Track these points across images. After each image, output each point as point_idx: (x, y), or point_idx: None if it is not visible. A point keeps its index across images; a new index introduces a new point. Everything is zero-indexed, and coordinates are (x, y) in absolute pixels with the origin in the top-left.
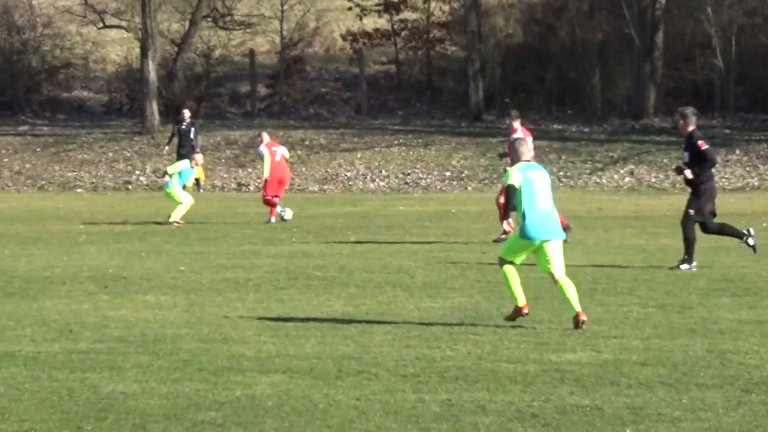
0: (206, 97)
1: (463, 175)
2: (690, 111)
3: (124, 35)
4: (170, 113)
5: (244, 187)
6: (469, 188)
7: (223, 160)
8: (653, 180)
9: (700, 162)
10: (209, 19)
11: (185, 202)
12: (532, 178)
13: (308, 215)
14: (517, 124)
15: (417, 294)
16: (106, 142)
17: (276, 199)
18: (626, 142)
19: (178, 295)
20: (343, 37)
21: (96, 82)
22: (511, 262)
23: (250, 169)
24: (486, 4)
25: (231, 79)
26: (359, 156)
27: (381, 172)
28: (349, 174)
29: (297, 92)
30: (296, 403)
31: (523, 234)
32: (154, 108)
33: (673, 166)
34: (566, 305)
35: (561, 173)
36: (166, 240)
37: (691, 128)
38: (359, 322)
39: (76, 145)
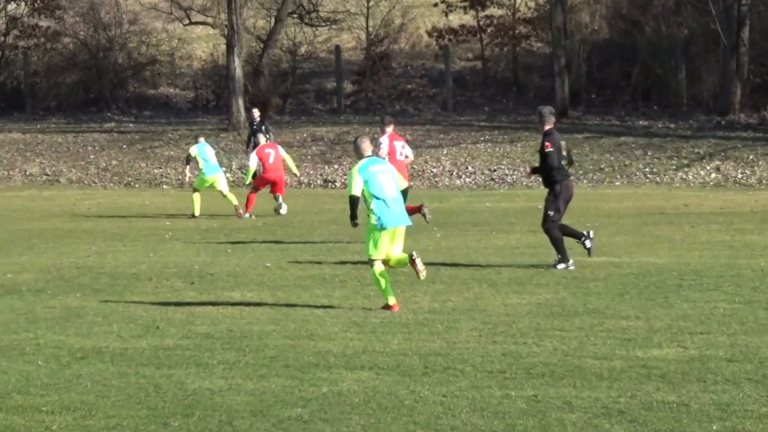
0: (292, 94)
1: None
2: (547, 110)
3: (210, 32)
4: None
5: (330, 184)
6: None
7: (309, 157)
8: (739, 176)
9: (543, 162)
10: (295, 15)
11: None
12: (375, 171)
13: None
14: (389, 129)
15: (503, 290)
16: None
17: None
18: (712, 138)
19: (264, 291)
20: (429, 34)
21: (182, 79)
22: (379, 260)
23: (336, 166)
24: (572, 0)
25: (317, 76)
26: (445, 152)
27: (467, 168)
28: (435, 170)
29: (383, 89)
30: (382, 400)
31: (380, 225)
32: (240, 104)
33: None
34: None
35: (647, 169)
36: (252, 236)
37: (547, 127)
38: (445, 318)
39: (162, 141)
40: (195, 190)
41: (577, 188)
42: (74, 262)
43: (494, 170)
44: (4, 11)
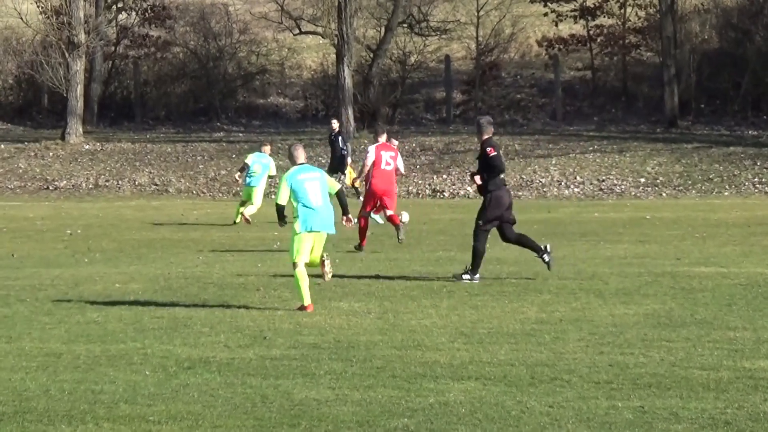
0: (401, 103)
1: (658, 181)
2: (485, 120)
3: (320, 41)
4: (366, 119)
5: (438, 194)
6: (664, 194)
7: (418, 166)
8: None
9: (488, 170)
10: (405, 25)
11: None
12: (302, 179)
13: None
14: (381, 139)
15: (610, 300)
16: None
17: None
18: None
19: (371, 301)
20: (539, 43)
21: (291, 89)
22: (301, 263)
23: (445, 176)
24: (682, 9)
25: (426, 85)
26: (554, 162)
27: (576, 178)
28: (543, 180)
29: (492, 98)
30: (489, 410)
31: (302, 228)
32: (349, 114)
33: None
34: (297, 293)
35: (756, 179)
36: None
37: (485, 136)
38: (552, 328)
39: (272, 151)
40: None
41: (686, 198)
42: (182, 272)
43: (603, 180)
44: (115, 21)
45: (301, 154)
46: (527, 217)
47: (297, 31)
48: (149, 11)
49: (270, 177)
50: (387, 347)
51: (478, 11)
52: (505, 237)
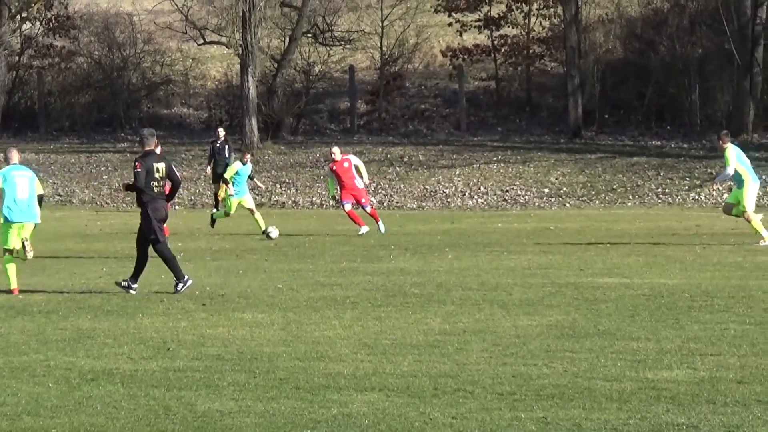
0: (305, 114)
1: (562, 191)
2: (147, 132)
3: (224, 51)
4: (269, 130)
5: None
6: (568, 205)
7: (321, 177)
8: None
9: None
10: (309, 35)
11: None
12: (14, 176)
13: (406, 232)
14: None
15: (514, 311)
16: (205, 159)
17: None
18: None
19: (275, 312)
20: (443, 53)
21: (196, 99)
22: (10, 250)
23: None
24: (586, 19)
25: (330, 96)
26: (458, 173)
27: (479, 188)
28: (447, 191)
29: (396, 108)
30: (392, 422)
31: (7, 220)
32: (253, 125)
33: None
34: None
35: (659, 190)
36: (263, 258)
37: (146, 148)
38: (456, 339)
39: (176, 162)
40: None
41: (590, 208)
42: (86, 283)
43: (507, 191)
44: (19, 31)
45: (15, 156)
46: (430, 228)
47: (201, 41)
48: (53, 21)
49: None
50: (290, 358)
51: (382, 21)
52: (157, 250)
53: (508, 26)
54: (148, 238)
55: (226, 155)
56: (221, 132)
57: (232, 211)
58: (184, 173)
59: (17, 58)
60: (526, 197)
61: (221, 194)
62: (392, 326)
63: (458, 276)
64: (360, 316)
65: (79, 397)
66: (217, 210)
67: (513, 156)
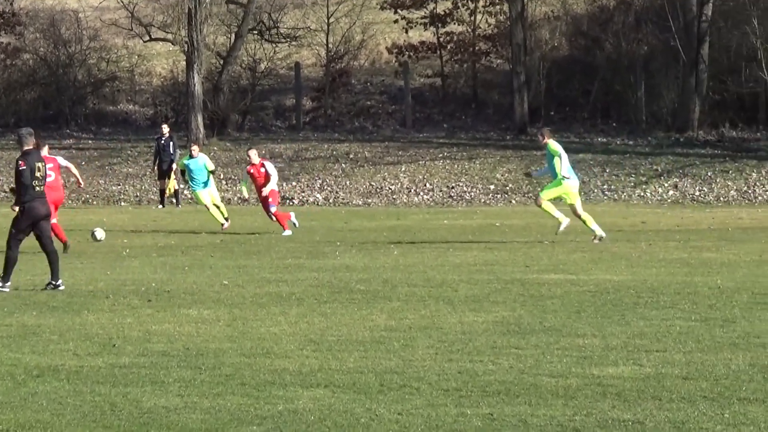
0: (251, 111)
1: (508, 188)
2: (25, 131)
3: (170, 48)
4: (215, 126)
5: (288, 201)
6: (513, 201)
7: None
8: (697, 193)
9: (16, 180)
10: (255, 32)
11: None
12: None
13: (352, 228)
14: (44, 150)
15: (460, 308)
16: (150, 156)
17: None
18: (670, 155)
19: (221, 309)
20: (389, 50)
21: (141, 96)
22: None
23: (294, 183)
24: (532, 16)
25: (276, 93)
26: (403, 169)
27: (425, 185)
28: (393, 187)
29: (342, 105)
30: (338, 418)
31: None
32: (199, 121)
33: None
34: None
35: (605, 186)
36: (209, 254)
37: (25, 148)
38: (402, 336)
39: (121, 158)
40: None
41: (535, 205)
42: (31, 279)
43: (452, 187)
44: None
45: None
46: (376, 224)
47: (147, 37)
48: None
49: (210, 172)
50: (236, 355)
51: (328, 18)
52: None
53: (454, 23)
54: (10, 229)
55: (171, 151)
56: (165, 128)
57: (206, 203)
58: (130, 169)
59: None
60: (472, 194)
61: (169, 189)
62: (338, 322)
63: (404, 272)
64: (306, 312)
65: (25, 393)
66: (163, 206)
67: (459, 153)
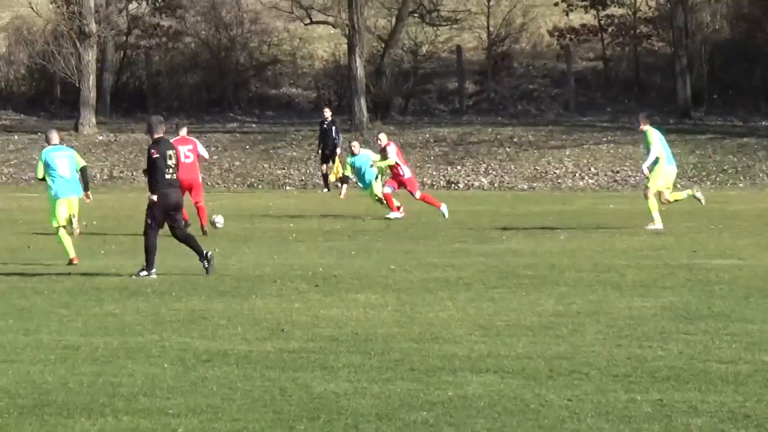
0: (414, 94)
1: None
2: (155, 119)
3: (332, 31)
4: (378, 110)
5: (453, 185)
6: (678, 186)
7: (432, 158)
8: None
9: (148, 169)
10: (416, 14)
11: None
12: (53, 156)
13: (518, 213)
14: (182, 132)
15: (628, 293)
16: (315, 139)
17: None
18: None
19: (389, 294)
20: (550, 33)
21: (304, 79)
22: (62, 226)
23: (459, 167)
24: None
25: (439, 76)
26: (568, 153)
27: (590, 169)
28: (558, 171)
29: (505, 89)
30: (508, 403)
31: (54, 196)
32: (362, 105)
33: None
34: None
35: None
36: (376, 238)
37: (156, 136)
38: (570, 321)
39: (285, 142)
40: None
41: (701, 190)
42: (198, 264)
43: (617, 171)
44: (125, 10)
45: (54, 138)
46: (542, 209)
47: (308, 20)
48: (160, 1)
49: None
50: (405, 340)
51: (488, 1)
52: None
53: (615, 6)
54: (145, 221)
55: (334, 135)
56: (328, 113)
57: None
58: (294, 153)
59: (125, 38)
60: (637, 178)
61: (335, 174)
62: (506, 308)
63: (571, 257)
64: (474, 297)
65: (195, 378)
66: (327, 190)
67: (623, 136)
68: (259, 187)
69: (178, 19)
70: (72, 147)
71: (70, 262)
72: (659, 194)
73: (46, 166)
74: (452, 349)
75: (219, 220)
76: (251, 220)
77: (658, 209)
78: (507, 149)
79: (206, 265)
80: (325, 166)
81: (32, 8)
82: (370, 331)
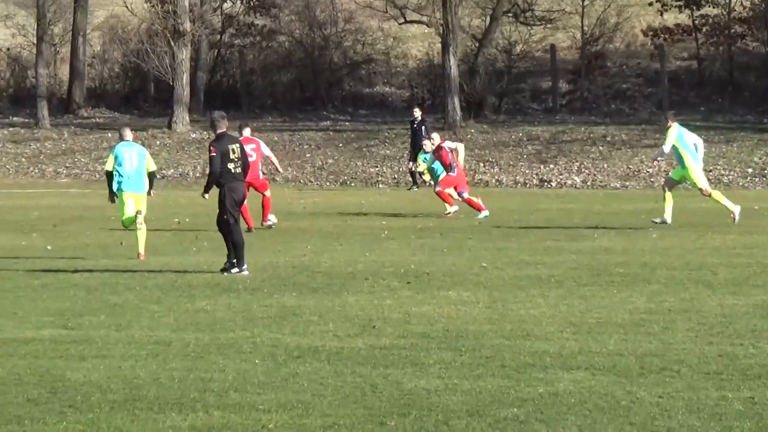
0: (507, 93)
1: (766, 171)
2: (218, 115)
3: (425, 30)
4: (472, 109)
5: (546, 183)
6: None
7: (525, 156)
8: None
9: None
10: (510, 14)
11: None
12: (123, 151)
13: (610, 211)
14: (246, 132)
15: (719, 291)
16: (407, 138)
17: None
18: None
19: (480, 291)
20: (644, 33)
21: (397, 78)
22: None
23: (552, 165)
24: None
25: (532, 75)
26: None
27: None
28: (650, 170)
29: (598, 88)
30: (599, 400)
31: (119, 189)
32: (455, 103)
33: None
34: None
35: None
36: (467, 236)
37: (219, 131)
38: (661, 318)
39: (378, 140)
40: None
41: None
42: (290, 260)
43: (710, 170)
44: (220, 9)
45: (128, 134)
46: (634, 207)
47: (402, 20)
48: (254, 0)
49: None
50: (496, 336)
51: (582, 0)
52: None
53: (709, 6)
54: (221, 218)
55: (424, 134)
56: (417, 112)
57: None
58: (387, 151)
59: (219, 36)
60: (730, 177)
61: (426, 172)
62: (597, 305)
63: (663, 255)
64: (565, 294)
65: (286, 374)
66: (417, 187)
67: (716, 136)
68: (352, 184)
69: (273, 18)
70: (164, 144)
71: (138, 256)
72: (672, 184)
73: (115, 160)
74: (543, 346)
75: (271, 219)
76: (344, 217)
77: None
78: (600, 148)
79: (225, 268)
80: (413, 164)
81: (127, 7)
82: (462, 328)
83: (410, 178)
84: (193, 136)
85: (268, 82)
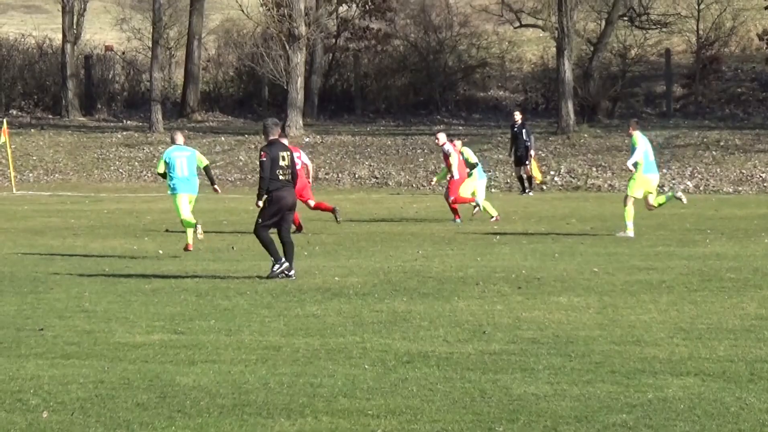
0: (622, 97)
1: None
2: (270, 122)
3: (540, 34)
4: (585, 113)
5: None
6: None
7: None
8: None
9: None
10: (625, 18)
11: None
12: (175, 156)
13: (722, 216)
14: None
15: None
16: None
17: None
18: None
19: (591, 296)
20: (760, 37)
21: (512, 82)
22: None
23: (665, 170)
24: None
25: (646, 79)
26: None
27: None
28: (764, 175)
29: (713, 92)
30: (708, 406)
31: (172, 191)
32: (569, 108)
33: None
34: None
35: None
36: (579, 241)
37: (270, 138)
38: None
39: (492, 144)
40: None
41: None
42: (401, 265)
43: None
44: (335, 13)
45: (179, 138)
46: (747, 212)
47: (517, 24)
48: (370, 3)
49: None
50: (606, 342)
51: (698, 4)
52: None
53: None
54: (257, 219)
55: (525, 138)
56: (518, 115)
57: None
58: (500, 156)
59: (334, 40)
60: None
61: (537, 177)
62: (708, 311)
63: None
64: (676, 300)
65: (395, 379)
66: (526, 192)
67: None
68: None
69: (388, 22)
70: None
71: (186, 248)
72: (645, 201)
73: (167, 164)
74: (653, 351)
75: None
76: (446, 223)
77: (632, 218)
78: (713, 153)
79: (274, 271)
80: (517, 168)
81: (243, 11)
82: (572, 334)
83: (518, 184)
84: (307, 140)
85: (383, 86)
